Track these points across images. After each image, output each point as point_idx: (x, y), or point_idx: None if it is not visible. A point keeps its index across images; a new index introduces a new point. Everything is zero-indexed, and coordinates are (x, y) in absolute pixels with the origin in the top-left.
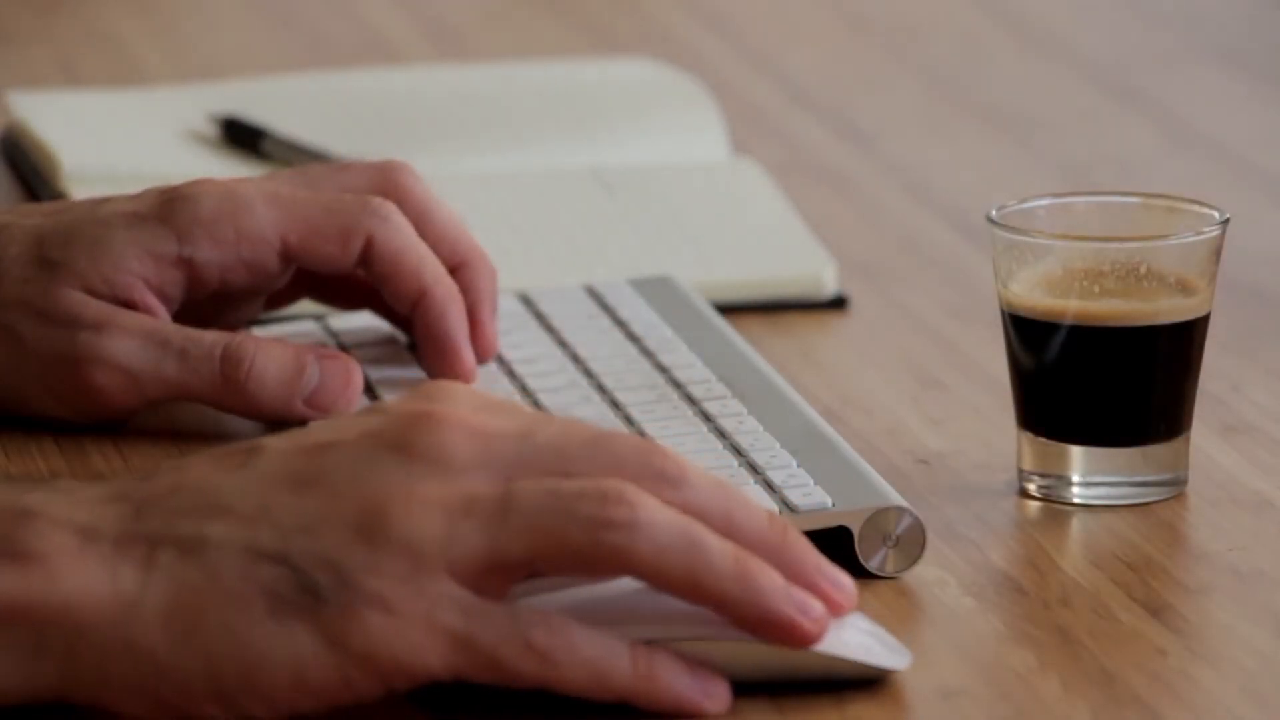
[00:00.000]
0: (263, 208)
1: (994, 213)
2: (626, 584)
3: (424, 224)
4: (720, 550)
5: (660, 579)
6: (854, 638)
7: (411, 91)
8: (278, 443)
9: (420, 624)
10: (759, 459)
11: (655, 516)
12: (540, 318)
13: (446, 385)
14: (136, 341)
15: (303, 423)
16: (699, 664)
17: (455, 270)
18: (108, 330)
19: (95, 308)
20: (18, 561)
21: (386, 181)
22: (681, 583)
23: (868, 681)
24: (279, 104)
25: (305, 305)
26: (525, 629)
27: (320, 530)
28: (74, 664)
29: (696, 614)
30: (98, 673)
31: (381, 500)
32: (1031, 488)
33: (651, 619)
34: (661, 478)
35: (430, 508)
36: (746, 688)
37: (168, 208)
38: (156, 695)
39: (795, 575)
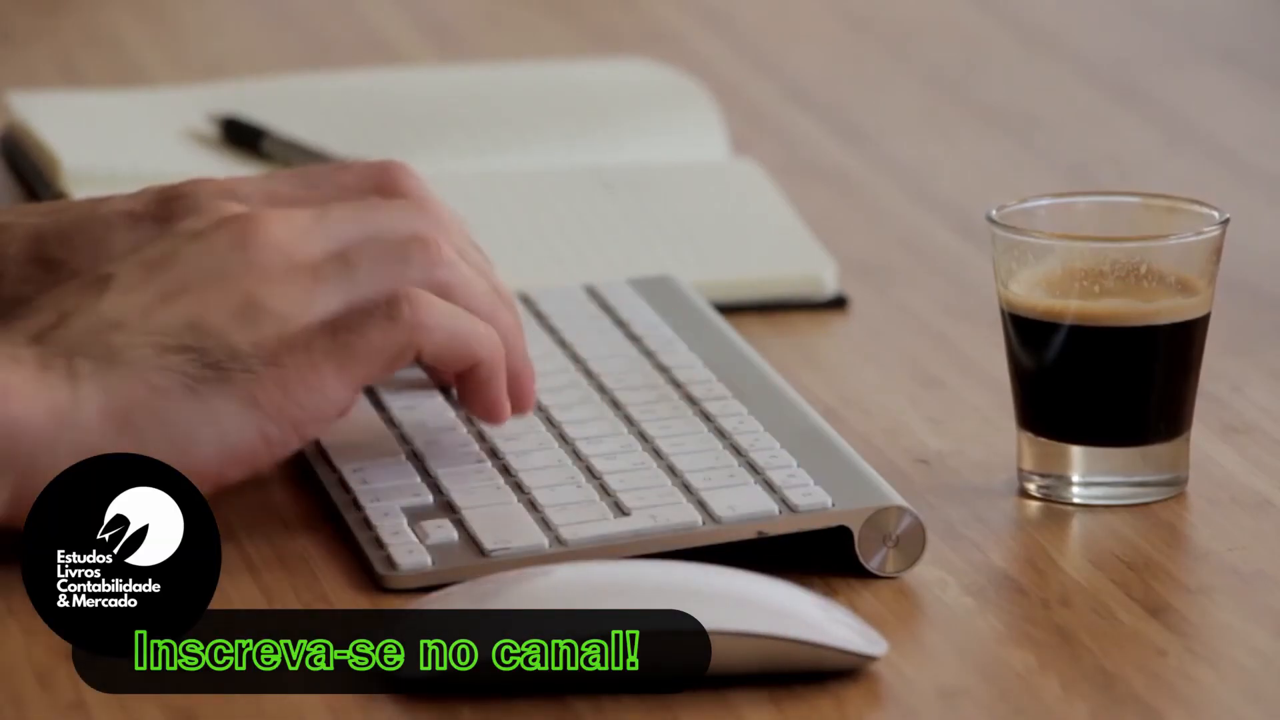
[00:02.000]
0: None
1: (994, 213)
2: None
3: None
4: (496, 290)
5: (473, 306)
6: (835, 629)
7: (411, 91)
8: (123, 266)
9: (308, 368)
10: (759, 459)
11: (463, 261)
12: (540, 318)
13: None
14: None
15: None
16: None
17: None
18: None
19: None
20: None
21: (385, 181)
22: (486, 318)
23: (865, 680)
24: (279, 104)
25: None
26: (388, 308)
27: (204, 324)
28: (30, 478)
29: (691, 592)
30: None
31: (247, 288)
32: (1031, 488)
33: (651, 593)
34: (440, 224)
35: (288, 283)
36: (746, 686)
37: (167, 207)
38: None
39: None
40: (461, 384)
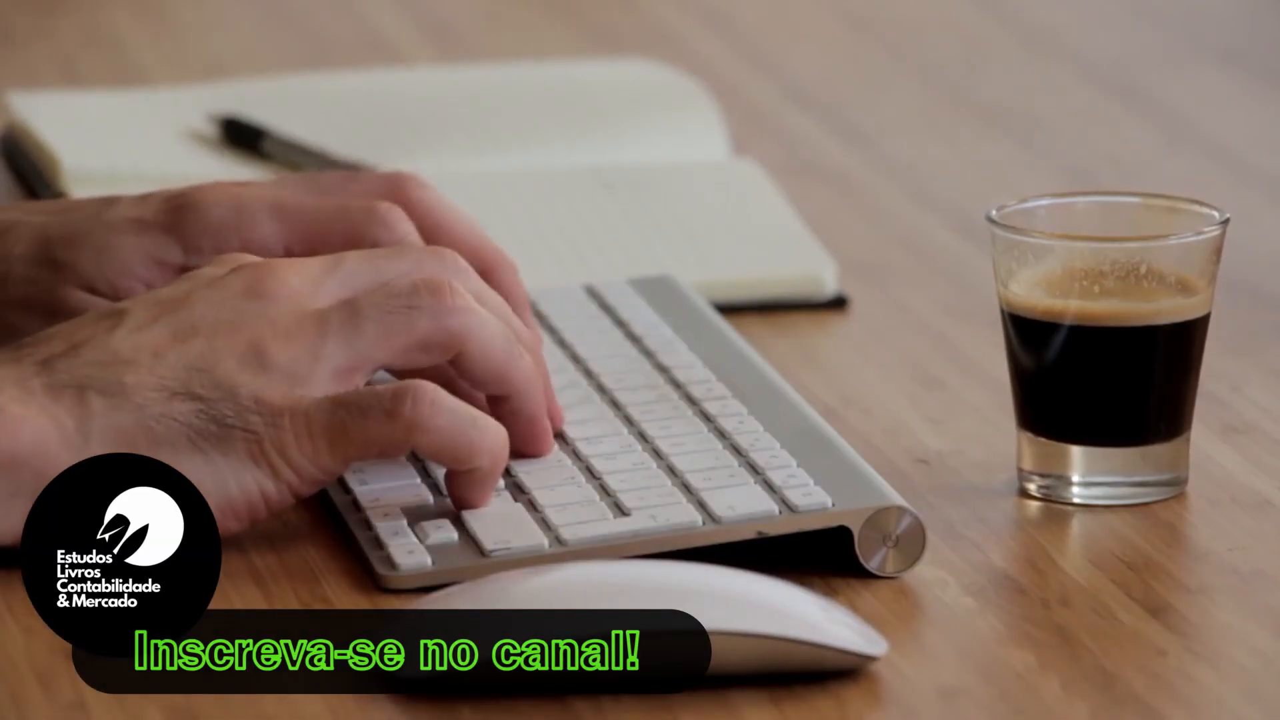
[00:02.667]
0: (268, 218)
1: (994, 213)
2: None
3: (440, 234)
4: (520, 342)
5: (487, 359)
6: (835, 629)
7: (411, 91)
8: (137, 304)
9: (304, 436)
10: (759, 459)
11: (477, 305)
12: (540, 318)
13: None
14: None
15: None
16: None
17: (481, 276)
18: None
19: (99, 307)
20: None
21: (397, 192)
22: (500, 364)
23: (865, 680)
24: (279, 104)
25: None
26: (390, 402)
27: (213, 369)
28: None
29: (691, 592)
30: None
31: (255, 337)
32: (1031, 488)
33: (651, 593)
34: (457, 271)
35: (295, 334)
36: (746, 686)
37: (174, 216)
38: None
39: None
40: (452, 475)
